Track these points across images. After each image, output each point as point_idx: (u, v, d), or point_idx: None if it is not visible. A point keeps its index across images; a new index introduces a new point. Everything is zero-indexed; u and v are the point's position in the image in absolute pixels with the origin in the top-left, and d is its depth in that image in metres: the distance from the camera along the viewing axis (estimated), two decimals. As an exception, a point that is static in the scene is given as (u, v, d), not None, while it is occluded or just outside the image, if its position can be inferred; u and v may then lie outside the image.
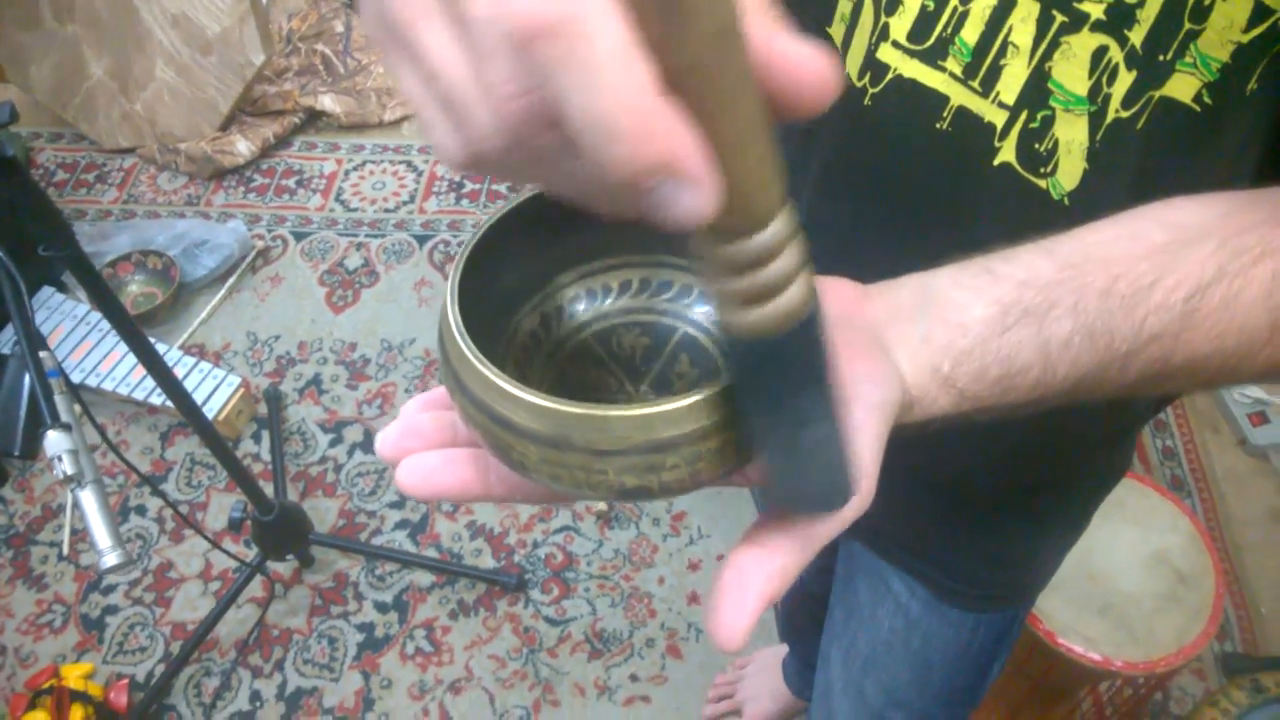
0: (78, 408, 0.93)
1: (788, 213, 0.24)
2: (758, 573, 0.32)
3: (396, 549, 1.71)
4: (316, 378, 1.95)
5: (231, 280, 2.09)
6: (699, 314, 0.40)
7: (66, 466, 0.82)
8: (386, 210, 2.24)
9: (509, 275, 0.37)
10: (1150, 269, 0.40)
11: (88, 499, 0.84)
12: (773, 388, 0.27)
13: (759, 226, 0.24)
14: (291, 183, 2.30)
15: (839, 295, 0.40)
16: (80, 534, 1.76)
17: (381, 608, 1.66)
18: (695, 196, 0.21)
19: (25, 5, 2.24)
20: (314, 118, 2.43)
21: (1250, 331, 0.40)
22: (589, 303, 0.40)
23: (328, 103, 2.39)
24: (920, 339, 0.38)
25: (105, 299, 1.16)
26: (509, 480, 0.35)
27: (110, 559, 0.83)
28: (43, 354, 0.87)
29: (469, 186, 2.28)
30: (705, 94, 0.21)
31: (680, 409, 0.28)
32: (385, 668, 1.59)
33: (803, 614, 1.27)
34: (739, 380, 0.28)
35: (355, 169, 2.33)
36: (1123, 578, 1.08)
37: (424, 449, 0.36)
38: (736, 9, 0.20)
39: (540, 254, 0.38)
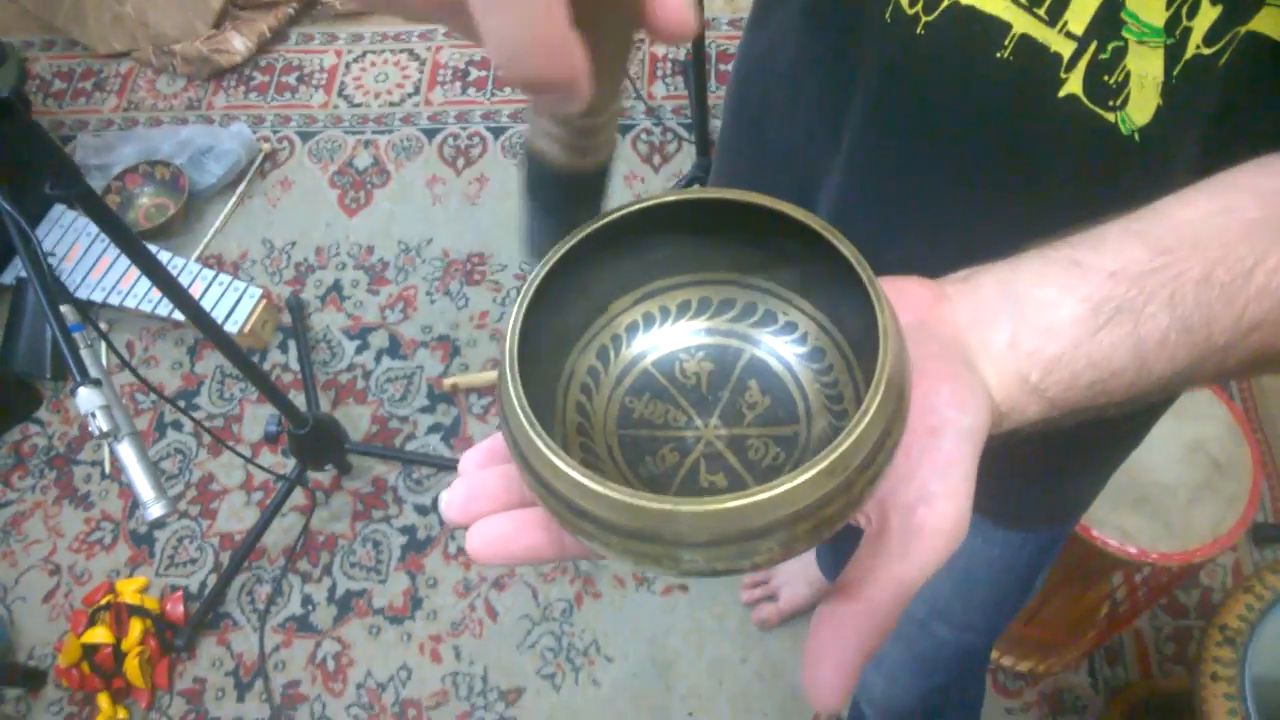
0: (105, 352, 0.92)
1: (617, 102, 0.31)
2: (854, 627, 0.31)
3: (431, 454, 1.74)
4: (337, 284, 1.93)
5: (241, 187, 2.06)
6: (765, 335, 0.38)
7: (101, 423, 0.82)
8: (392, 104, 2.17)
9: (562, 315, 0.36)
10: (1249, 251, 0.37)
11: (126, 451, 0.84)
12: (555, 200, 0.34)
13: (603, 110, 0.30)
14: (292, 79, 2.23)
15: (913, 299, 0.37)
16: (121, 452, 1.79)
17: (422, 510, 1.69)
18: (572, 101, 0.25)
19: (-2, -97, 2.14)
20: (308, 7, 2.33)
21: None
22: (646, 328, 0.38)
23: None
24: (1006, 344, 0.36)
25: (117, 230, 1.14)
26: (582, 545, 0.33)
27: (155, 510, 0.84)
28: (64, 308, 0.86)
29: (475, 74, 2.20)
30: (603, 24, 0.26)
31: (773, 498, 0.27)
32: (430, 568, 1.64)
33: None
34: (533, 191, 0.34)
35: (356, 60, 2.25)
36: (1159, 469, 1.08)
37: (492, 511, 0.35)
38: None
39: (592, 284, 0.37)
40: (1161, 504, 1.06)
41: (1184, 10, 0.41)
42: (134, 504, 1.74)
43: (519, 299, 0.32)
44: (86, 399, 0.82)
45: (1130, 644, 1.50)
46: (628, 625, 1.56)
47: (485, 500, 0.35)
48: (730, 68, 0.76)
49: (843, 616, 0.32)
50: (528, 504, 0.35)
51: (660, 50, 2.20)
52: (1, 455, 1.81)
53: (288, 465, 1.71)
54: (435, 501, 1.69)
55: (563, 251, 0.33)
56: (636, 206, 0.34)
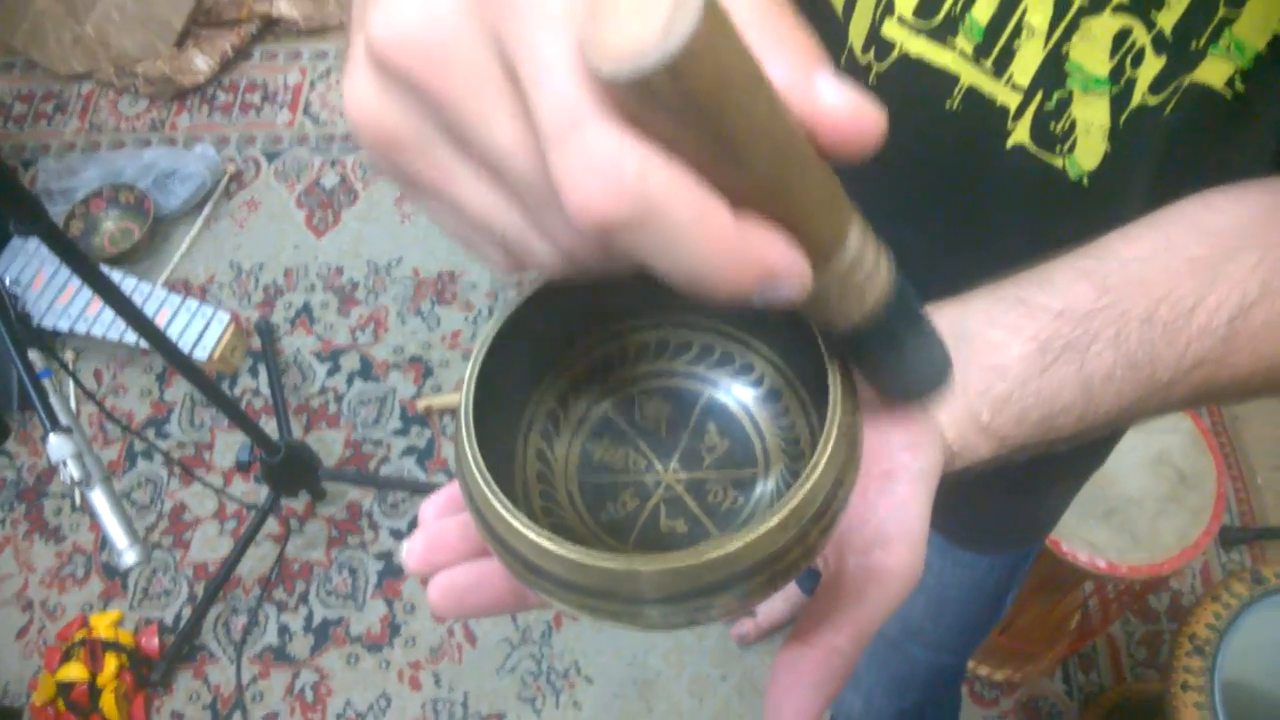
0: (73, 390, 0.91)
1: (857, 222, 0.26)
2: (813, 674, 0.31)
3: (406, 477, 1.73)
4: (306, 306, 1.92)
5: (207, 209, 2.04)
6: (723, 377, 0.38)
7: (73, 471, 0.81)
8: (359, 123, 2.16)
9: (520, 360, 0.35)
10: (1191, 290, 0.38)
11: (98, 498, 0.84)
12: (885, 352, 0.30)
13: (837, 251, 0.25)
14: (256, 98, 2.22)
15: None
16: (90, 482, 1.77)
17: (397, 534, 1.69)
18: (792, 283, 0.22)
19: (-48, -73, 2.11)
20: (271, 25, 2.32)
21: None
22: (605, 371, 0.38)
23: (284, 7, 2.27)
24: (958, 386, 0.37)
25: (81, 264, 1.12)
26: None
27: (129, 557, 0.83)
28: (32, 354, 0.85)
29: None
30: (779, 196, 0.22)
31: (728, 554, 0.27)
32: (407, 593, 1.63)
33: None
34: (858, 352, 0.31)
35: (320, 78, 2.24)
36: (1126, 481, 1.10)
37: (452, 561, 0.35)
38: (786, 127, 0.21)
39: (550, 330, 0.36)
40: (1129, 516, 1.07)
41: (1128, 60, 0.42)
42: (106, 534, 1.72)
43: (476, 349, 0.32)
44: (57, 447, 0.81)
45: (1103, 650, 1.52)
46: (608, 646, 1.56)
47: (445, 551, 0.35)
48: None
49: (801, 663, 0.32)
50: (488, 554, 0.35)
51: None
52: (-32, 490, 1.78)
53: (260, 492, 1.70)
54: (410, 526, 1.69)
55: (523, 299, 0.33)
56: None
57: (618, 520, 0.36)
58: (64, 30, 2.21)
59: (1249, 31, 0.39)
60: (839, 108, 0.22)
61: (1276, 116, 0.43)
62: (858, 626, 0.33)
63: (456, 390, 1.80)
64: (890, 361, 0.31)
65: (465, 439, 0.30)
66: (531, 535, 0.28)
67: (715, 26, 0.18)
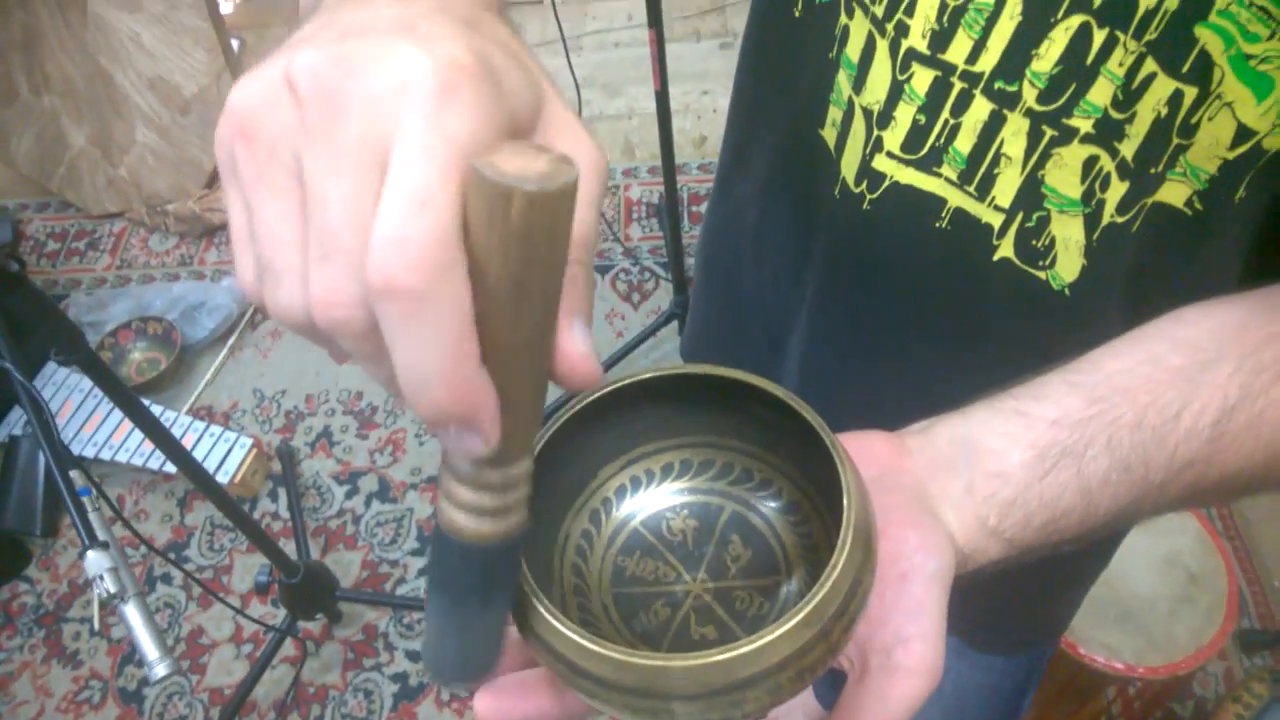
0: (107, 511, 0.95)
1: (529, 460, 0.29)
2: None
3: (423, 597, 1.74)
4: (326, 430, 1.97)
5: (232, 339, 2.11)
6: (743, 492, 0.41)
7: (109, 585, 0.84)
8: (379, 254, 2.25)
9: (555, 482, 0.39)
10: (1175, 397, 0.41)
11: (132, 613, 0.86)
12: (469, 582, 0.31)
13: (511, 463, 0.28)
14: (282, 234, 2.31)
15: (874, 452, 0.41)
16: (109, 608, 1.78)
17: (413, 656, 1.68)
18: (477, 444, 0.26)
19: (1, 80, 2.25)
20: (297, 165, 2.44)
21: (1277, 447, 0.42)
22: (634, 490, 0.42)
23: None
24: (963, 491, 0.40)
25: (115, 388, 1.18)
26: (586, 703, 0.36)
27: (160, 669, 0.85)
28: (73, 473, 0.89)
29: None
30: (516, 364, 0.26)
31: (756, 650, 0.30)
32: (423, 716, 1.62)
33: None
34: (437, 567, 0.31)
35: (343, 214, 2.34)
36: (1137, 582, 1.11)
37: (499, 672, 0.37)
38: (552, 318, 0.26)
39: (583, 453, 0.40)
40: (1143, 618, 1.08)
41: (1097, 184, 0.47)
42: (123, 660, 1.72)
43: None
44: (95, 562, 0.84)
45: (1131, 761, 1.49)
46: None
47: None
48: (700, 223, 0.83)
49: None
50: (532, 664, 0.37)
51: (635, 194, 2.30)
52: (-10, 617, 1.79)
53: (278, 616, 1.70)
54: (428, 645, 1.69)
55: (557, 425, 0.36)
56: (621, 382, 0.38)
57: (651, 629, 0.39)
58: (99, 173, 2.34)
59: (1201, 158, 0.44)
60: (581, 347, 0.27)
61: (1235, 232, 0.48)
62: None
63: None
64: (481, 591, 0.32)
65: None
66: (575, 638, 0.31)
67: (568, 202, 0.23)
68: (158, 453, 1.83)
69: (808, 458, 0.38)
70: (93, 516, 0.88)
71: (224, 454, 1.84)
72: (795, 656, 0.31)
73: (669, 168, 1.77)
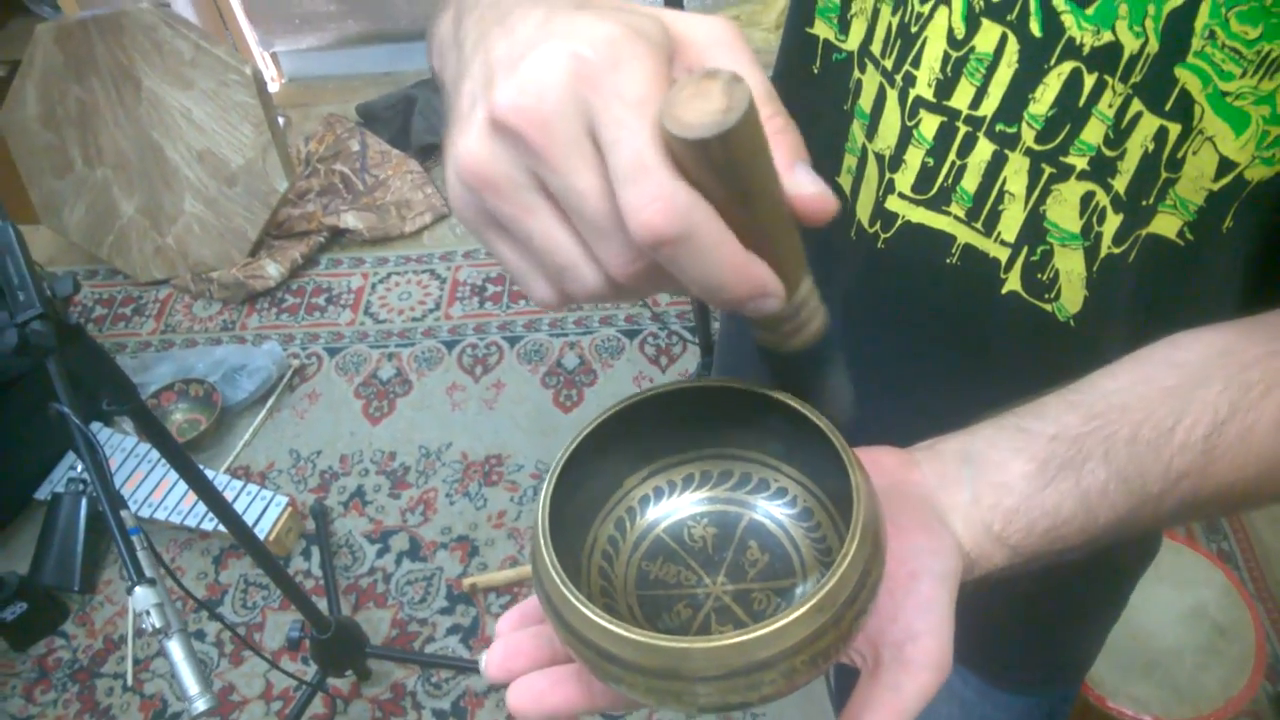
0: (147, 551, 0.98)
1: (809, 275, 0.35)
2: None
3: (451, 655, 1.75)
4: (360, 489, 2.00)
5: (271, 401, 2.16)
6: (760, 500, 0.44)
7: (155, 620, 0.87)
8: (414, 319, 2.32)
9: (584, 491, 0.41)
10: (1168, 413, 0.44)
11: (175, 648, 0.89)
12: (809, 376, 0.38)
13: (796, 290, 0.34)
14: (321, 300, 2.39)
15: (884, 466, 0.44)
16: (144, 663, 1.81)
17: (440, 715, 1.69)
18: (772, 302, 0.31)
19: (56, 153, 2.36)
20: (338, 235, 2.53)
21: (1268, 459, 0.45)
22: (657, 500, 0.44)
23: (350, 220, 2.48)
24: (969, 501, 0.42)
25: (163, 441, 1.22)
26: (611, 693, 0.37)
27: (200, 704, 0.88)
28: (123, 513, 0.93)
29: (491, 289, 2.36)
30: (772, 242, 0.31)
31: (773, 632, 0.32)
32: (449, 774, 1.62)
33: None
34: (784, 374, 0.38)
35: (381, 281, 2.42)
36: (1163, 634, 1.11)
37: (528, 668, 0.39)
38: (779, 191, 0.30)
39: (609, 464, 0.42)
40: (1169, 670, 1.08)
41: (1094, 218, 0.51)
42: (154, 717, 1.73)
43: (548, 477, 0.38)
44: (143, 597, 0.87)
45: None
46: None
47: (522, 658, 0.40)
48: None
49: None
50: (560, 661, 0.40)
51: (662, 261, 2.36)
52: (26, 669, 1.82)
53: (308, 673, 1.72)
54: (454, 706, 1.69)
55: (583, 436, 0.39)
56: (643, 396, 0.41)
57: (673, 628, 0.41)
58: (147, 241, 2.43)
59: (1189, 190, 0.47)
60: (810, 188, 0.31)
61: (1226, 261, 0.51)
62: (896, 712, 0.37)
63: (502, 568, 1.85)
64: (816, 383, 0.39)
65: (543, 546, 0.36)
66: (603, 623, 0.33)
67: (752, 116, 0.27)
68: (195, 511, 1.88)
69: (821, 467, 0.41)
70: (141, 555, 0.92)
71: (260, 512, 1.88)
72: (809, 640, 0.33)
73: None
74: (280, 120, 2.48)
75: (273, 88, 2.99)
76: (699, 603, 0.42)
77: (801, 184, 0.31)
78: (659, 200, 0.27)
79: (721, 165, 0.27)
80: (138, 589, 0.88)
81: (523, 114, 0.29)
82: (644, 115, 0.28)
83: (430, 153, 2.64)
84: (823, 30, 0.58)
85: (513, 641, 0.40)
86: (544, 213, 0.30)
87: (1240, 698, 1.05)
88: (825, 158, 0.61)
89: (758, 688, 0.33)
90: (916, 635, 0.38)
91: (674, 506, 0.44)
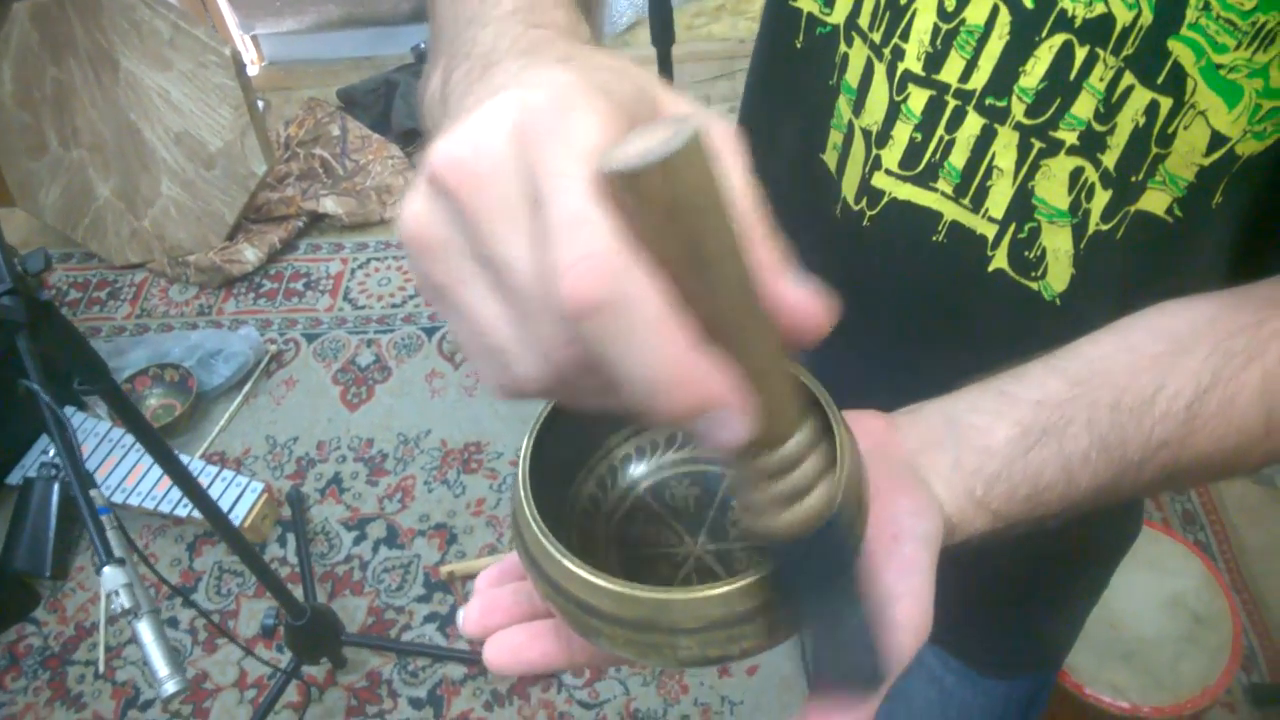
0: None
1: (809, 425, 0.29)
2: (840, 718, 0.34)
3: (427, 643, 1.74)
4: (336, 476, 1.98)
5: (247, 386, 2.14)
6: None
7: (124, 600, 0.86)
8: (394, 305, 2.30)
9: (565, 448, 0.41)
10: (1151, 380, 0.44)
11: (145, 629, 0.87)
12: (806, 581, 0.31)
13: (785, 439, 0.28)
14: (300, 285, 2.37)
15: (868, 428, 0.43)
16: (116, 650, 1.78)
17: (416, 704, 1.67)
18: (732, 425, 0.25)
19: (32, 134, 2.33)
20: (317, 220, 2.50)
21: (1247, 430, 0.44)
22: (639, 459, 0.44)
23: (329, 205, 2.46)
24: (951, 465, 0.42)
25: (137, 423, 1.20)
26: (589, 649, 0.37)
27: (170, 686, 0.86)
28: (93, 492, 0.91)
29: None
30: (734, 335, 0.25)
31: (752, 583, 0.31)
32: (425, 763, 1.61)
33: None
34: (775, 575, 0.31)
35: (360, 267, 2.39)
36: (1142, 623, 1.11)
37: (506, 624, 0.39)
38: (747, 261, 0.25)
39: (591, 422, 0.42)
40: (1148, 658, 1.08)
41: (1082, 195, 0.50)
42: (126, 704, 1.71)
43: (529, 432, 0.37)
44: (111, 577, 0.86)
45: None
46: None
47: (499, 614, 0.39)
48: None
49: (827, 709, 0.35)
50: (539, 616, 0.39)
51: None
52: (-4, 656, 1.79)
53: (282, 661, 1.70)
54: (430, 694, 1.68)
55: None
56: None
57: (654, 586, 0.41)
58: (123, 224, 2.40)
59: (1179, 166, 0.47)
60: (801, 295, 0.26)
61: (1215, 238, 0.50)
62: (862, 711, 0.36)
63: (481, 555, 1.83)
64: (816, 600, 0.31)
65: (524, 501, 0.35)
66: (583, 574, 0.32)
67: (698, 155, 0.23)
68: (168, 497, 1.85)
69: None
70: (111, 535, 0.90)
71: (235, 498, 1.85)
72: None
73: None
74: (260, 104, 2.45)
75: (253, 71, 2.95)
76: (680, 561, 0.41)
77: (787, 287, 0.26)
78: (589, 259, 0.22)
79: (664, 207, 0.23)
80: (106, 569, 0.86)
81: (455, 169, 0.25)
82: (588, 166, 0.23)
83: (412, 138, 2.61)
84: (806, 3, 0.57)
85: (490, 597, 0.40)
86: (479, 284, 0.26)
87: (1217, 686, 1.05)
88: (810, 134, 0.60)
89: (738, 640, 0.32)
90: (898, 597, 0.38)
91: (656, 466, 0.44)
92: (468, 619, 0.39)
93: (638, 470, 0.44)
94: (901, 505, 0.39)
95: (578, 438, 0.42)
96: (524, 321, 0.25)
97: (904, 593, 0.38)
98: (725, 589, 0.31)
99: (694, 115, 0.26)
